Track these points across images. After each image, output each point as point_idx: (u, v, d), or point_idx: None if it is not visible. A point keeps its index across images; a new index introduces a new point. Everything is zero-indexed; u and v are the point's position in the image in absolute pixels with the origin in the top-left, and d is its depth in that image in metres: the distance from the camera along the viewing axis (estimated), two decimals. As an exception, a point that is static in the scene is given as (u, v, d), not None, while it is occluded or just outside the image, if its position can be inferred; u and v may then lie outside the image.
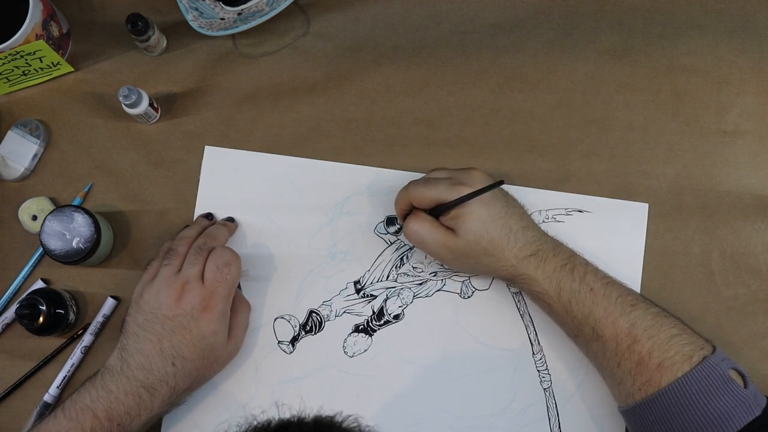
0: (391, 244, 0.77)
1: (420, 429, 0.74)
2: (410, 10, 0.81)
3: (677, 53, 0.80)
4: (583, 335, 0.68)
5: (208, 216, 0.77)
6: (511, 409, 0.74)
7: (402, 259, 0.77)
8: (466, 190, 0.67)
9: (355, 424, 0.48)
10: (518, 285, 0.71)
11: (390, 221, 0.77)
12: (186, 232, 0.73)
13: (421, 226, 0.69)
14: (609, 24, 0.80)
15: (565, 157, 0.78)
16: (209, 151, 0.78)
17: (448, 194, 0.68)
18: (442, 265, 0.76)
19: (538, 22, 0.81)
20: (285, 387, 0.75)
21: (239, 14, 0.79)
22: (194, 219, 0.77)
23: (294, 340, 0.76)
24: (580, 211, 0.77)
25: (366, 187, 0.78)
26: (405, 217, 0.72)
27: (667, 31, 0.80)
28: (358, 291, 0.76)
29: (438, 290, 0.76)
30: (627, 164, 0.78)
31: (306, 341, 0.75)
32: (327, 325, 0.76)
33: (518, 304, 0.76)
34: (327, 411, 0.48)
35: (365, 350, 0.75)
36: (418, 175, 0.77)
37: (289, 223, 0.77)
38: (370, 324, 0.76)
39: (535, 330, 0.75)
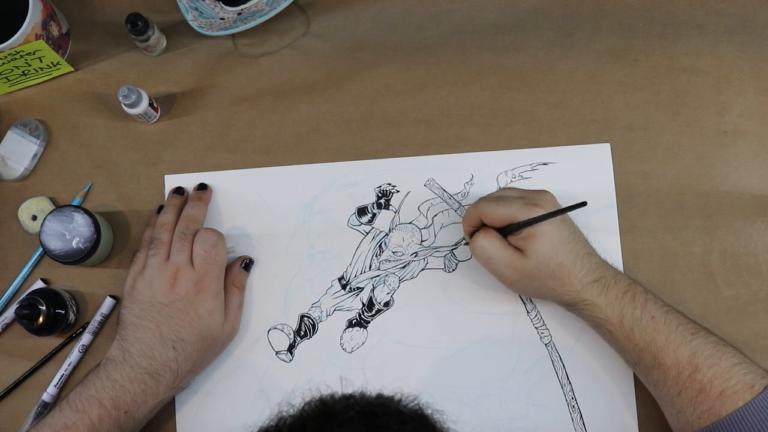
0: (367, 234, 0.77)
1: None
2: (410, 10, 0.81)
3: (677, 53, 0.80)
4: (643, 363, 0.67)
5: (179, 191, 0.76)
6: (518, 370, 0.74)
7: (380, 246, 0.77)
8: (540, 211, 0.66)
9: (414, 403, 0.49)
10: (579, 311, 0.69)
11: (361, 211, 0.77)
12: (164, 218, 0.73)
13: (490, 243, 0.68)
14: (609, 24, 0.80)
15: (565, 157, 0.78)
16: (169, 179, 0.78)
17: (522, 213, 0.67)
18: (421, 244, 0.76)
19: (538, 22, 0.81)
20: (291, 397, 0.74)
21: (239, 14, 0.79)
22: (166, 198, 0.77)
23: (291, 348, 0.75)
24: (545, 164, 0.77)
25: (330, 184, 0.78)
26: (471, 234, 0.70)
27: (667, 31, 0.80)
28: (344, 286, 0.76)
29: (422, 270, 0.76)
30: (627, 164, 0.78)
31: (303, 346, 0.75)
32: (320, 327, 0.76)
33: None
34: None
35: (363, 343, 0.75)
36: (378, 164, 0.77)
37: (262, 234, 0.77)
38: (362, 316, 0.76)
39: None
